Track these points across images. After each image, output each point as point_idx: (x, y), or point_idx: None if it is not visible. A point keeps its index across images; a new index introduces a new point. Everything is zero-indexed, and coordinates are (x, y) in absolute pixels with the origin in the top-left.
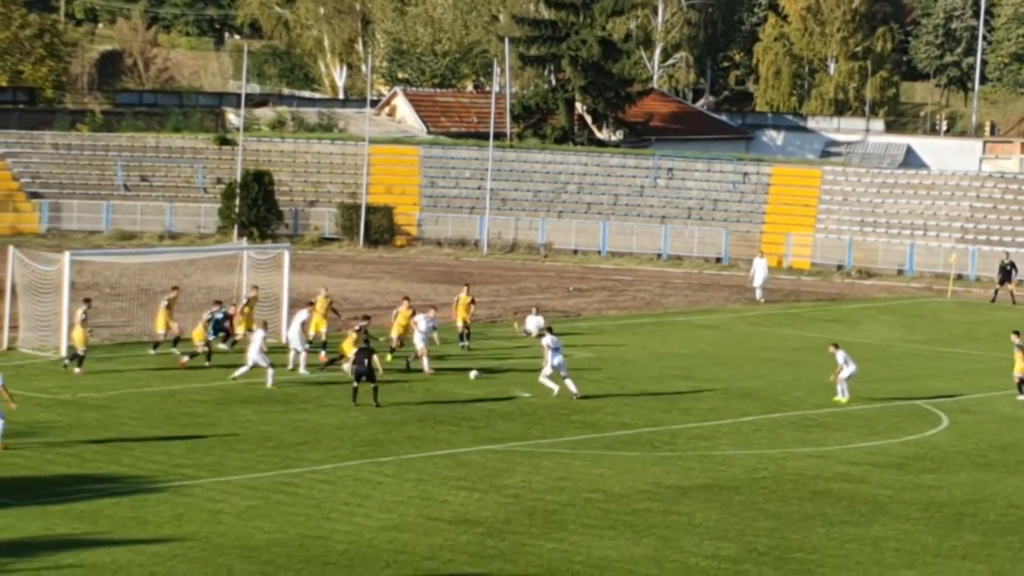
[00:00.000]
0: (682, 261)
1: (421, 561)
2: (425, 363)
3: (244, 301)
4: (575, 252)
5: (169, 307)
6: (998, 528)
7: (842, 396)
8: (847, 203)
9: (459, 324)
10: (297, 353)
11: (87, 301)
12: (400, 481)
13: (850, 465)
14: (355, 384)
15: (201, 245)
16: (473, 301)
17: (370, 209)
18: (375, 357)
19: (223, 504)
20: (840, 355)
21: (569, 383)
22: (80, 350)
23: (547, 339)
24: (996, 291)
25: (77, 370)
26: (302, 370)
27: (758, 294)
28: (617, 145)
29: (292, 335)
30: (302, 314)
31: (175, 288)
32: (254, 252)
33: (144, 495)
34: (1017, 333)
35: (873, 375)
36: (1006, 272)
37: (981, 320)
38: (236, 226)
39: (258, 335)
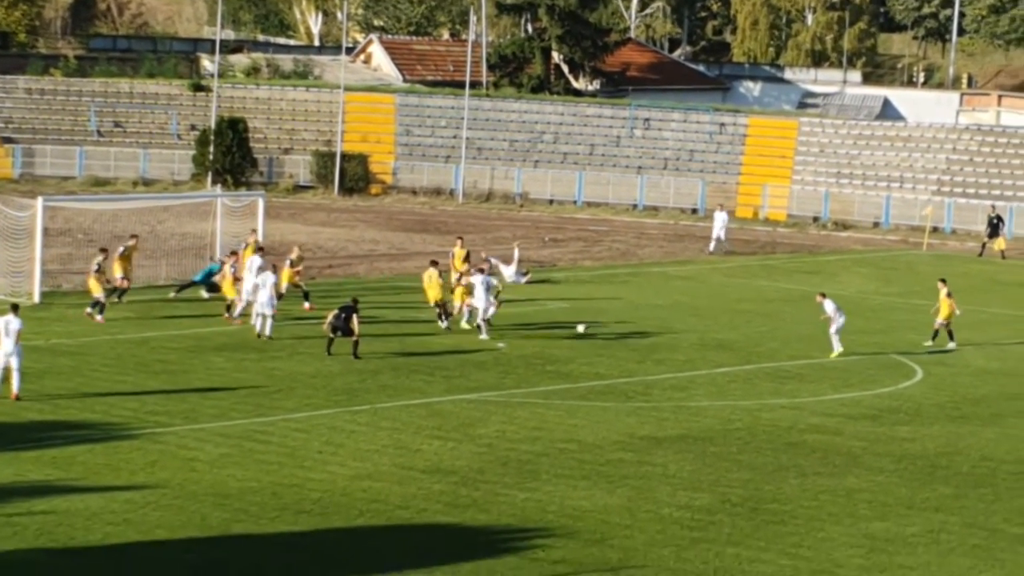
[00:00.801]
0: (658, 212)
1: (395, 510)
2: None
3: (244, 246)
4: (551, 202)
5: (126, 256)
6: (971, 480)
7: (837, 349)
8: (823, 155)
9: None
10: (265, 318)
11: (103, 251)
12: (374, 430)
13: (824, 417)
14: (330, 335)
15: (175, 192)
16: (469, 255)
17: (345, 157)
18: (355, 317)
19: (196, 452)
20: (829, 305)
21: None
22: (99, 297)
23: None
24: (984, 244)
25: (99, 318)
26: (268, 332)
27: (712, 245)
28: (593, 95)
29: (264, 299)
30: (271, 276)
31: (134, 237)
32: (228, 199)
33: (117, 442)
34: (944, 281)
35: (848, 327)
36: (994, 226)
37: (956, 273)
38: (210, 173)
39: (270, 279)
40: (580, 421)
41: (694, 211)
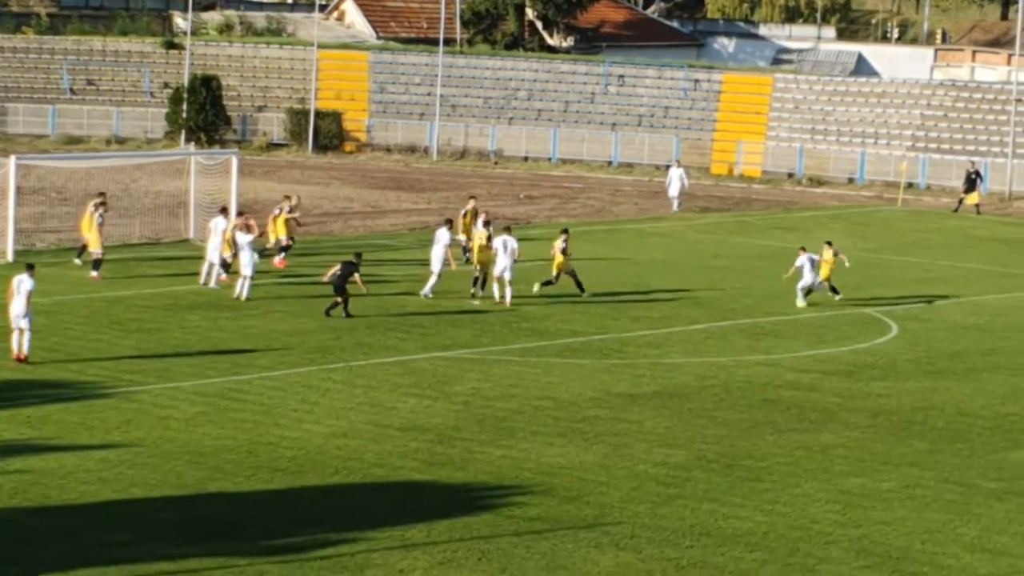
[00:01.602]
0: (632, 168)
1: (370, 468)
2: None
3: (277, 211)
4: (525, 159)
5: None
6: (946, 435)
7: (801, 302)
8: (798, 111)
9: (463, 239)
10: (245, 279)
11: (103, 204)
12: (349, 388)
13: (799, 373)
14: (337, 299)
15: (148, 150)
16: (477, 213)
17: (319, 115)
18: (358, 276)
19: (171, 410)
20: (801, 259)
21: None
22: (97, 253)
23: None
24: (960, 200)
25: (93, 274)
26: (245, 294)
27: (674, 205)
28: (568, 52)
29: (244, 260)
30: (247, 237)
31: (101, 195)
32: (202, 157)
33: (92, 401)
34: (830, 244)
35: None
36: (971, 181)
37: (931, 228)
38: (184, 131)
39: (246, 239)
40: (556, 378)
41: (669, 167)
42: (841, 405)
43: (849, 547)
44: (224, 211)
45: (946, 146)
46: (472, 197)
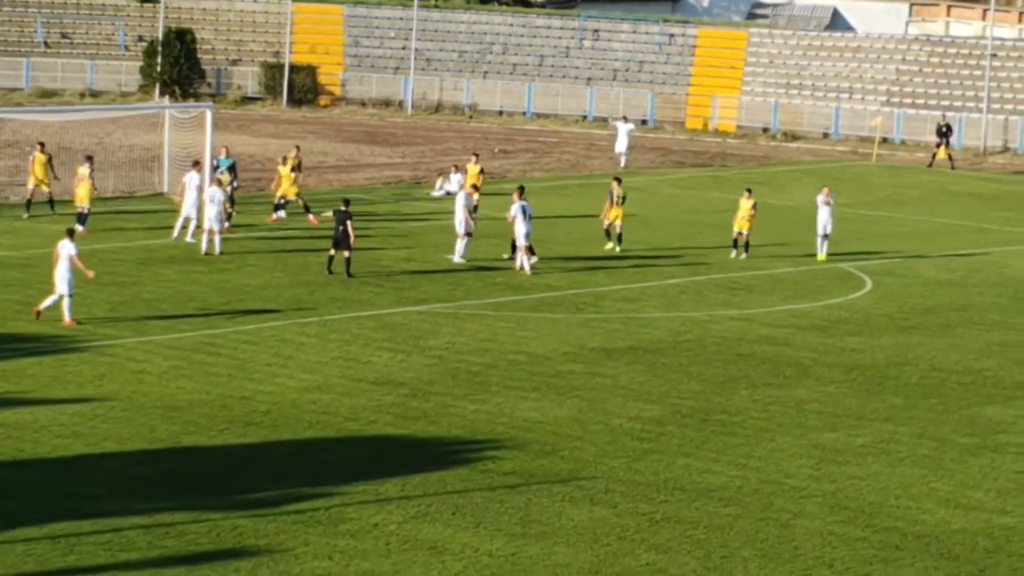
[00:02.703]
0: (607, 123)
1: (344, 422)
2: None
3: (283, 159)
4: (500, 113)
5: (42, 162)
6: (920, 391)
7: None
8: (773, 65)
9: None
10: (213, 234)
11: (89, 159)
12: (324, 342)
13: (774, 328)
14: (332, 252)
15: (123, 103)
16: (483, 172)
17: (293, 68)
18: (349, 224)
19: (145, 364)
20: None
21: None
22: (84, 207)
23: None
24: (934, 154)
25: (80, 228)
26: (218, 249)
27: (622, 161)
28: (543, 6)
29: (211, 215)
30: (219, 193)
31: (40, 144)
32: (176, 111)
33: (65, 355)
34: (618, 180)
35: (797, 238)
36: (942, 134)
37: (906, 183)
38: (158, 84)
39: (218, 195)
40: (530, 333)
41: (644, 122)
42: (816, 360)
43: (823, 502)
44: (197, 165)
45: (921, 101)
46: (475, 154)
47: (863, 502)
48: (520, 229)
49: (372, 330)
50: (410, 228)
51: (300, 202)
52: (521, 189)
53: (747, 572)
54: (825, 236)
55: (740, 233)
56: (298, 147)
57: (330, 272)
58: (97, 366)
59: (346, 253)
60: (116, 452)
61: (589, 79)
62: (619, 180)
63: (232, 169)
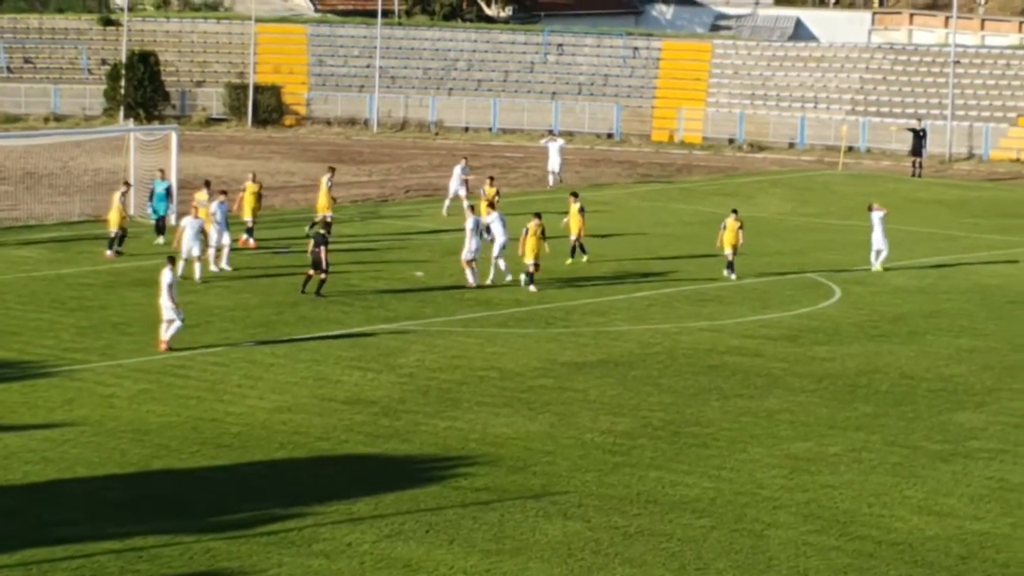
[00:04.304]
0: (573, 137)
1: (315, 442)
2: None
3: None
4: (466, 129)
5: None
6: (890, 398)
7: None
8: (737, 77)
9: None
10: (192, 261)
11: (127, 183)
12: (293, 362)
13: (744, 338)
14: (309, 272)
15: (87, 127)
16: (498, 193)
17: (258, 89)
18: (324, 249)
19: (115, 388)
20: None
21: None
22: (113, 231)
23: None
24: (913, 163)
25: (108, 252)
26: (225, 264)
27: (551, 180)
28: (506, 21)
29: (188, 240)
30: (194, 220)
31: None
32: (141, 133)
33: (34, 380)
34: (575, 195)
35: (765, 248)
36: (919, 139)
37: (872, 192)
38: (122, 107)
39: (195, 222)
40: (500, 348)
41: (609, 135)
42: (786, 370)
43: (796, 512)
44: (208, 185)
45: (885, 109)
46: (490, 177)
47: (836, 511)
48: (472, 246)
49: (342, 349)
50: (378, 246)
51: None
52: (472, 207)
53: None
54: (879, 251)
55: (729, 254)
56: (253, 173)
57: (303, 291)
58: (66, 391)
59: (322, 276)
60: (87, 477)
61: (554, 94)
62: (575, 195)
63: (168, 193)
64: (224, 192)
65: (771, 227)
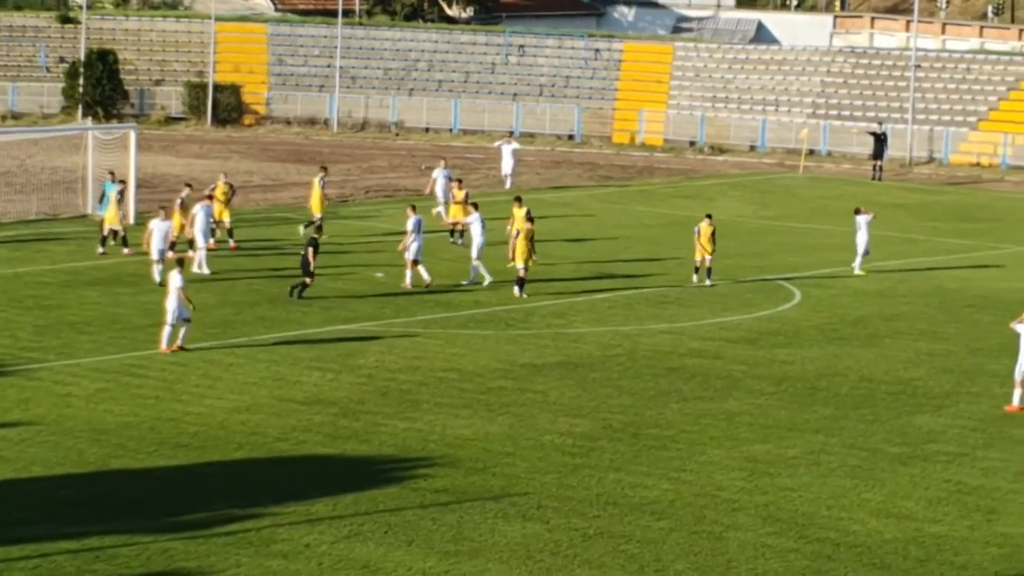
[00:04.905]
0: (534, 138)
1: (274, 442)
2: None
3: (212, 187)
4: (426, 130)
5: None
6: (850, 401)
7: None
8: (699, 79)
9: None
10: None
11: (123, 182)
12: (252, 362)
13: (704, 341)
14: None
15: (45, 125)
16: (467, 197)
17: (217, 88)
18: (311, 251)
19: (72, 387)
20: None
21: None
22: (113, 228)
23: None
24: (875, 166)
25: (126, 250)
26: (205, 268)
27: (507, 183)
28: (467, 22)
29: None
30: (164, 224)
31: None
32: (99, 132)
33: None
34: (519, 200)
35: (726, 251)
36: (880, 142)
37: (832, 195)
38: (81, 106)
39: (164, 225)
40: (460, 350)
41: (571, 137)
42: (746, 372)
43: (756, 514)
44: (209, 197)
45: (847, 113)
46: (517, 198)
47: (795, 513)
48: (413, 246)
49: (301, 349)
50: (338, 247)
51: (226, 224)
52: (413, 207)
53: None
54: (866, 253)
55: (703, 260)
56: (325, 167)
57: (300, 297)
58: (23, 390)
59: (307, 279)
60: (44, 476)
61: (515, 95)
62: (519, 199)
63: (120, 194)
64: (210, 197)
65: (731, 230)
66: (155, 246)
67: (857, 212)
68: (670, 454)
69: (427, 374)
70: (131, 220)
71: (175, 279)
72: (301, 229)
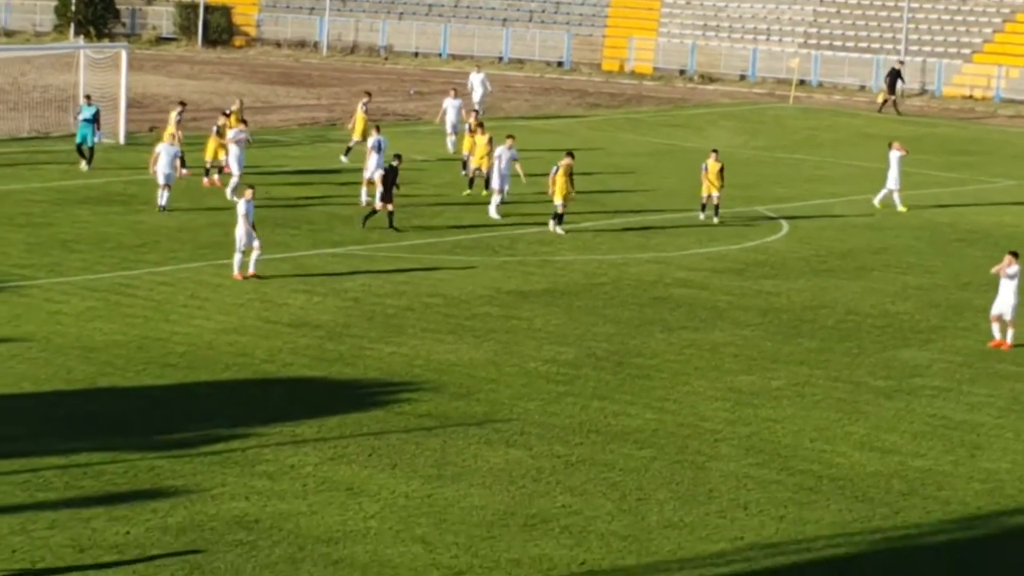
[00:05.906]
0: (523, 65)
1: (260, 364)
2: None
3: (228, 112)
4: (416, 55)
5: None
6: (836, 334)
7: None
8: (690, 7)
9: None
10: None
11: (183, 103)
12: (240, 284)
13: (690, 271)
14: (376, 206)
15: (37, 43)
16: (481, 124)
17: (208, 9)
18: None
19: (62, 305)
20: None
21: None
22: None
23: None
24: (894, 101)
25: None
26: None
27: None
28: None
29: (163, 169)
30: (172, 148)
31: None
32: (91, 51)
33: None
34: (482, 126)
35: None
36: (894, 78)
37: (822, 126)
38: (73, 24)
39: (172, 150)
40: (446, 275)
41: (560, 64)
42: (731, 303)
43: (738, 445)
44: (184, 105)
45: (839, 43)
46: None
47: (778, 445)
48: (372, 164)
49: (288, 272)
50: (326, 169)
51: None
52: (377, 127)
53: (662, 514)
54: (891, 190)
55: (709, 196)
56: (368, 92)
57: (364, 225)
58: (13, 306)
59: (389, 207)
60: (33, 393)
61: (505, 20)
62: (482, 125)
63: (95, 118)
64: (244, 121)
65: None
66: (161, 170)
67: (890, 146)
68: (654, 383)
69: (413, 299)
70: (121, 140)
71: (242, 206)
72: (343, 157)
